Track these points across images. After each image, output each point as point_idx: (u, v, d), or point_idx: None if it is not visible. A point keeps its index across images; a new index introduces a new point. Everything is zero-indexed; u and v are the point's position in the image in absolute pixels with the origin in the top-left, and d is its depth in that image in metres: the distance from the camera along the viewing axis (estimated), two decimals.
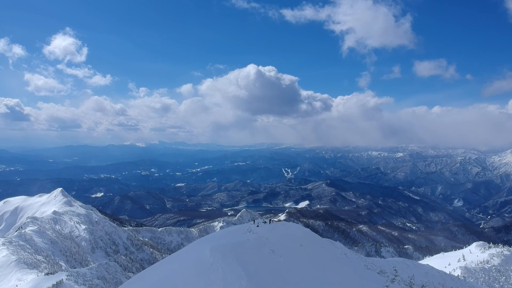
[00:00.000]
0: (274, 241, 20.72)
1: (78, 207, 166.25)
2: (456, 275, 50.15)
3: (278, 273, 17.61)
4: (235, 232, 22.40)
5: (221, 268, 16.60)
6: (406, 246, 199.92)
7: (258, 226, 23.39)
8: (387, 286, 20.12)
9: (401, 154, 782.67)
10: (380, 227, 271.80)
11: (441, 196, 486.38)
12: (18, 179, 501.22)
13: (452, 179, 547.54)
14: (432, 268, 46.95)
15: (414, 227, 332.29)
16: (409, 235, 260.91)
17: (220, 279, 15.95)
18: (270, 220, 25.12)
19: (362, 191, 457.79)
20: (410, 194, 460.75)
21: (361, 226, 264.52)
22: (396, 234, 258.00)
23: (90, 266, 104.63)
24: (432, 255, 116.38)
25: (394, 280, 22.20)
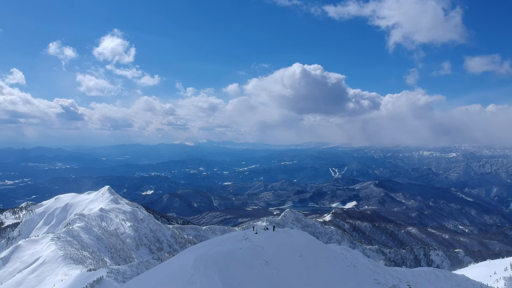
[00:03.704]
0: (270, 251, 19.43)
1: (124, 205, 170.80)
2: (498, 287, 46.71)
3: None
4: (229, 240, 21.24)
5: (200, 281, 15.62)
6: (457, 250, 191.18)
7: (256, 233, 22.19)
8: None
9: (454, 154, 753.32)
10: (430, 230, 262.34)
11: (496, 198, 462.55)
12: (73, 176, 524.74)
13: (508, 181, 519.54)
14: (467, 279, 43.79)
15: (466, 230, 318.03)
16: (461, 238, 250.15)
17: None
18: (274, 227, 23.75)
19: (412, 192, 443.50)
20: (463, 196, 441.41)
21: (410, 228, 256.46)
22: (446, 237, 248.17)
23: (131, 263, 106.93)
24: (485, 260, 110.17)
25: None
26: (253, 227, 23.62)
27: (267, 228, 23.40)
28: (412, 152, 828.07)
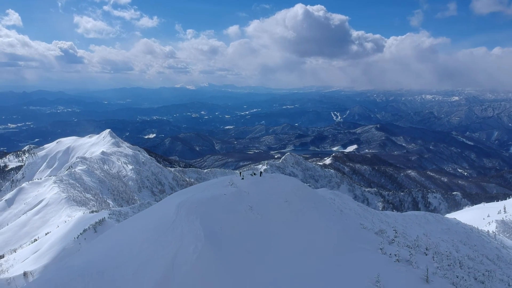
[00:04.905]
0: (256, 196, 19.42)
1: (126, 148, 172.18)
2: (489, 230, 47.59)
3: (250, 233, 16.55)
4: (215, 185, 21.21)
5: (181, 227, 15.72)
6: (455, 193, 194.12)
7: (243, 178, 22.13)
8: (381, 248, 18.68)
9: (456, 98, 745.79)
10: (430, 173, 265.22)
11: (497, 142, 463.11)
12: (75, 120, 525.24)
13: (510, 125, 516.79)
14: (458, 223, 44.52)
15: (465, 173, 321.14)
16: (459, 181, 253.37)
17: (176, 240, 15.14)
18: (260, 173, 23.68)
19: (413, 135, 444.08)
20: (464, 140, 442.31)
21: (409, 171, 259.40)
22: (445, 180, 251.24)
23: (133, 205, 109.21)
24: (481, 203, 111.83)
25: (393, 241, 20.70)
26: (240, 173, 23.55)
27: (254, 174, 23.35)
28: (414, 95, 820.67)
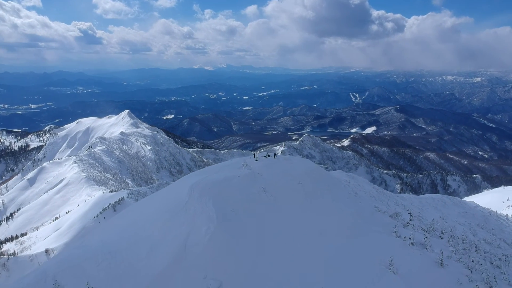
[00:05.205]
0: (269, 178, 19.31)
1: (144, 129, 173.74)
2: (508, 213, 46.79)
3: (262, 215, 16.53)
4: (229, 167, 21.16)
5: (194, 208, 15.80)
6: (474, 175, 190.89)
7: (256, 160, 22.04)
8: (395, 231, 18.52)
9: (478, 79, 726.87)
10: (449, 155, 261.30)
11: None
12: (95, 100, 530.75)
13: None
14: (476, 206, 43.85)
15: (486, 156, 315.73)
16: (480, 164, 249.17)
17: (188, 222, 15.25)
18: (274, 155, 23.53)
19: (434, 117, 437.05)
20: (485, 122, 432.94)
21: (428, 154, 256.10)
22: (465, 162, 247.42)
23: (151, 185, 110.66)
24: (501, 186, 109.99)
25: (408, 224, 20.50)
26: (254, 154, 23.47)
27: (268, 155, 23.24)
28: (435, 76, 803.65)
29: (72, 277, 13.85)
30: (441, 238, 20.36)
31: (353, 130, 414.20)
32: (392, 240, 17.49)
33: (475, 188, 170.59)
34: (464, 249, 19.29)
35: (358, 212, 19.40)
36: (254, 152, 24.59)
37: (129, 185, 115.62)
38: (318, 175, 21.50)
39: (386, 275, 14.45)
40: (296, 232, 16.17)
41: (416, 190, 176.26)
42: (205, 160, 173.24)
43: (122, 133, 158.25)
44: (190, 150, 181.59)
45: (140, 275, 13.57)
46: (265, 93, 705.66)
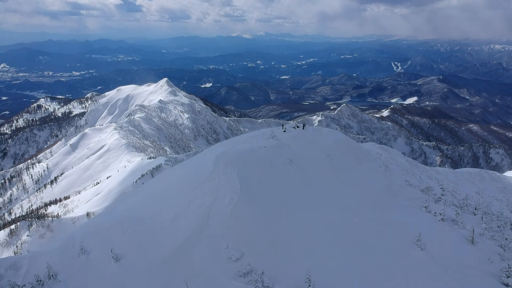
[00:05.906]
0: (296, 150, 19.03)
1: (182, 97, 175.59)
2: None
3: (287, 187, 16.40)
4: (256, 138, 20.93)
5: (218, 179, 15.84)
6: None
7: (285, 131, 21.74)
8: (425, 206, 18.04)
9: None
10: (493, 127, 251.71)
11: None
12: (135, 68, 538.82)
13: None
14: None
15: None
16: None
17: (212, 191, 15.32)
18: (303, 126, 23.14)
19: (478, 88, 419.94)
20: None
21: (471, 125, 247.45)
22: (510, 135, 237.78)
23: (188, 153, 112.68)
24: None
25: (439, 199, 19.93)
26: (282, 125, 23.20)
27: (297, 126, 22.93)
28: (482, 45, 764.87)
29: (98, 242, 14.38)
30: (474, 215, 19.73)
31: (393, 101, 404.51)
32: (422, 216, 17.05)
33: None
34: (498, 226, 18.61)
35: (387, 185, 18.95)
36: (282, 123, 24.39)
37: (167, 152, 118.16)
38: (348, 147, 21.09)
39: (412, 251, 14.15)
40: (321, 205, 16.00)
41: (457, 162, 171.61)
42: (241, 129, 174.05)
43: (160, 101, 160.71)
44: (227, 118, 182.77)
45: (163, 243, 13.90)
46: (303, 62, 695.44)
